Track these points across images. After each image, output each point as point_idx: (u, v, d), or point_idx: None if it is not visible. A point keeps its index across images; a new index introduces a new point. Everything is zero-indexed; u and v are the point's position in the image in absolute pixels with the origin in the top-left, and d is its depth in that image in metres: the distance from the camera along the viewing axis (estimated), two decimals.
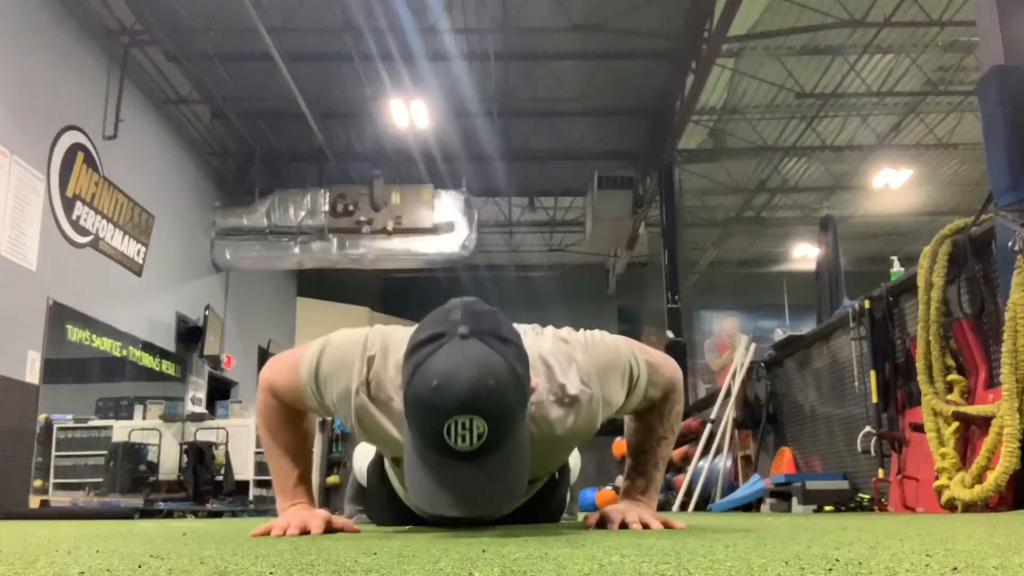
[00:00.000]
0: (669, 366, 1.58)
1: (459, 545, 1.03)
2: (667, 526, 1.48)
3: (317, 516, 1.44)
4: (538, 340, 1.44)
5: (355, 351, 1.42)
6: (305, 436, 1.60)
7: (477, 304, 1.21)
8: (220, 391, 9.63)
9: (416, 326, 1.23)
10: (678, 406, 1.64)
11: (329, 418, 7.98)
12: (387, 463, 1.77)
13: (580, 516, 2.90)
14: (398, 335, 1.41)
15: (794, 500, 4.06)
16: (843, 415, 4.29)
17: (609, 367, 1.46)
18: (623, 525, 1.50)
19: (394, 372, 1.37)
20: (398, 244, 9.59)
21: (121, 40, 7.60)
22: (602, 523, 1.55)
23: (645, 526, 1.47)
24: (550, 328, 1.53)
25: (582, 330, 1.53)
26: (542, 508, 1.88)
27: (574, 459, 2.23)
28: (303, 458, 1.57)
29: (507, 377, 1.13)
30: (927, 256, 3.29)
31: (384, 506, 1.94)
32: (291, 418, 1.55)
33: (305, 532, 1.40)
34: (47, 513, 5.95)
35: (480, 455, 1.13)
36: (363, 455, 2.14)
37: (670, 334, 8.93)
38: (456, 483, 1.15)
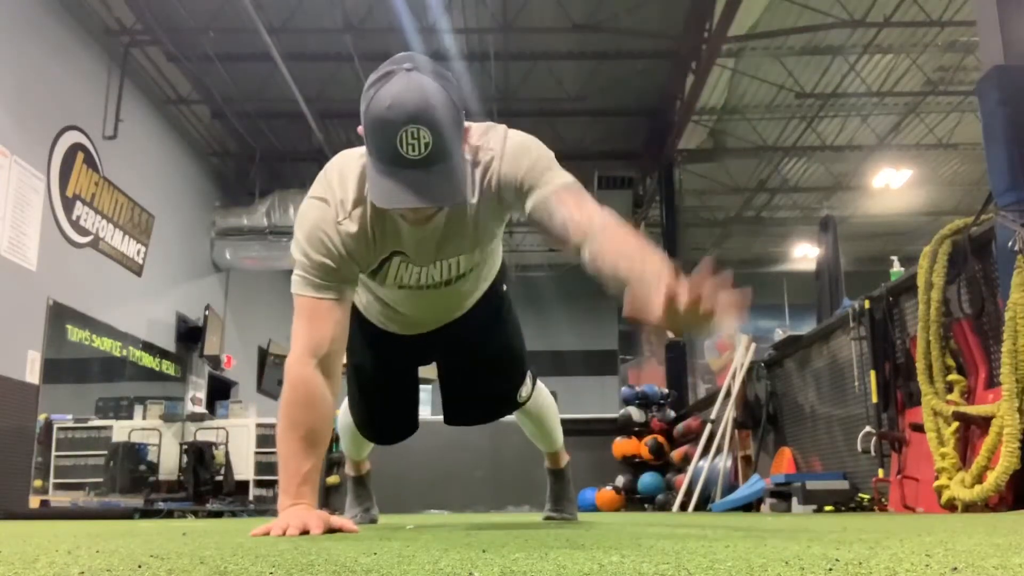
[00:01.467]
0: (599, 206, 1.51)
1: (459, 545, 1.03)
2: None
3: (317, 516, 1.45)
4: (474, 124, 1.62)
5: (316, 207, 1.59)
6: (324, 423, 1.59)
7: (419, 55, 1.44)
8: (220, 391, 9.63)
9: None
10: (628, 227, 1.47)
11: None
12: (362, 302, 1.94)
13: (581, 516, 2.90)
14: (342, 160, 1.64)
15: (794, 500, 4.06)
16: (843, 415, 4.29)
17: (519, 144, 1.60)
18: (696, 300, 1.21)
19: (351, 186, 1.57)
20: None
21: (121, 40, 7.60)
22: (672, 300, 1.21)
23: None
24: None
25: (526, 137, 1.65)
26: (489, 311, 2.01)
27: (545, 395, 2.34)
28: (316, 451, 1.57)
29: (447, 99, 1.39)
30: (927, 256, 3.29)
31: (361, 354, 2.08)
32: (317, 396, 1.56)
33: (305, 532, 1.40)
34: (47, 513, 5.96)
35: (428, 163, 1.37)
36: (344, 408, 2.34)
37: (670, 334, 8.92)
38: (411, 183, 1.38)
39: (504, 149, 1.58)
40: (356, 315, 1.98)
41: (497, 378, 2.16)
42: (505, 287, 2.09)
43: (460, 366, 2.12)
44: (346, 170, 1.61)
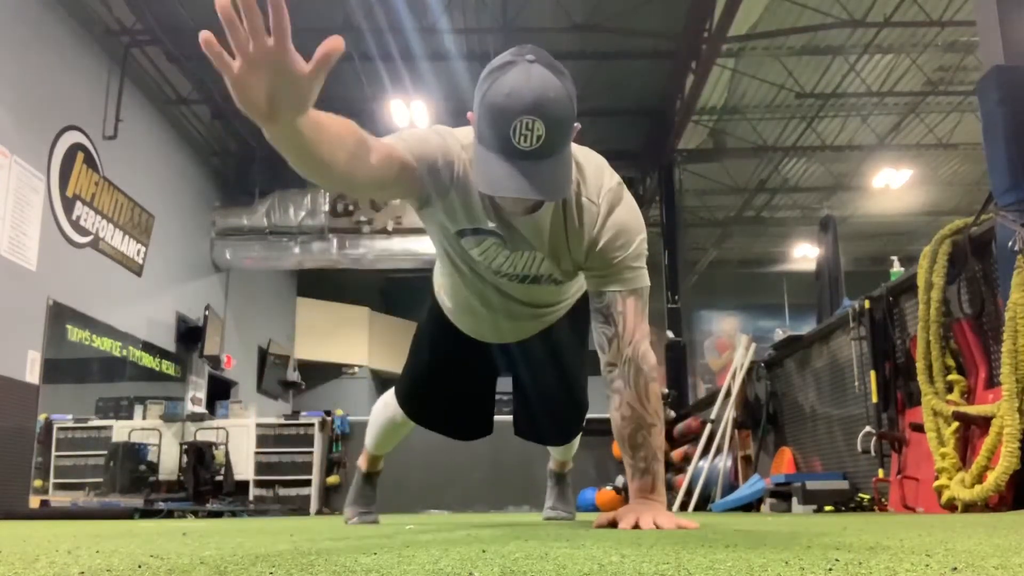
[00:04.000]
0: (645, 331, 1.67)
1: (459, 545, 1.03)
2: (680, 528, 1.48)
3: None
4: (590, 152, 1.68)
5: (440, 134, 1.61)
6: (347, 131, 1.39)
7: (538, 48, 1.45)
8: (220, 391, 9.63)
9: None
10: (654, 385, 1.65)
11: (328, 417, 7.99)
12: (442, 268, 1.92)
13: (580, 516, 2.91)
14: (445, 128, 1.65)
15: (794, 500, 4.06)
16: (843, 415, 4.29)
17: (628, 216, 1.62)
18: (636, 527, 1.50)
19: (459, 150, 1.58)
20: (398, 244, 9.59)
21: (121, 40, 7.60)
22: (614, 524, 1.55)
23: (658, 528, 1.47)
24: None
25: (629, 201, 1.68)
26: (562, 339, 2.05)
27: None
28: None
29: (564, 95, 1.40)
30: (927, 256, 3.29)
31: (430, 340, 2.11)
32: (350, 131, 1.39)
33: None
34: (47, 513, 5.95)
35: (539, 156, 1.37)
36: (385, 397, 2.37)
37: (670, 334, 8.93)
38: (519, 172, 1.37)
39: (611, 210, 1.60)
40: (441, 317, 2.02)
41: (575, 400, 2.18)
42: (579, 323, 2.08)
43: (540, 381, 2.13)
44: (460, 134, 1.61)
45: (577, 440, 2.56)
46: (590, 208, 1.59)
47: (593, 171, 1.63)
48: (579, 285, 1.93)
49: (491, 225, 1.62)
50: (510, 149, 1.37)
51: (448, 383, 2.14)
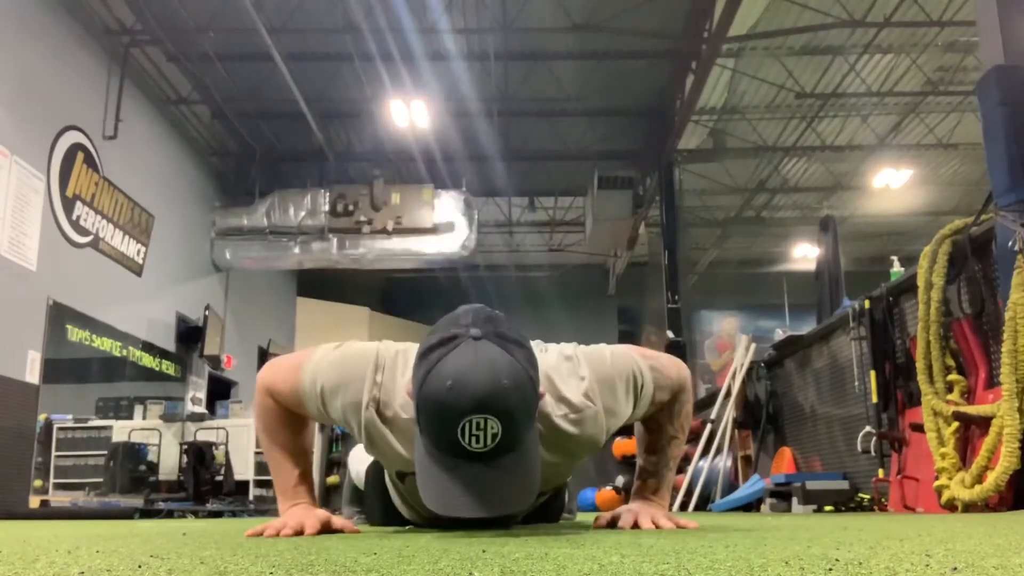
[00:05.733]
0: (674, 367, 1.58)
1: (459, 545, 1.03)
2: (680, 527, 1.48)
3: (314, 516, 1.43)
4: (543, 356, 1.41)
5: (366, 365, 1.40)
6: (304, 436, 1.58)
7: (487, 309, 1.24)
8: (220, 391, 9.63)
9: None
10: (688, 406, 1.63)
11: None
12: (388, 477, 1.75)
13: (580, 516, 2.90)
14: (410, 352, 1.39)
15: (794, 500, 4.06)
16: (843, 415, 4.28)
17: (613, 380, 1.45)
18: (635, 526, 1.49)
19: (402, 388, 1.36)
20: (398, 244, 9.59)
21: (121, 40, 7.60)
22: (612, 524, 1.55)
23: (657, 527, 1.47)
24: (553, 345, 1.51)
25: (582, 346, 1.51)
26: (545, 512, 1.90)
27: None
28: (303, 458, 1.56)
29: (520, 377, 1.15)
30: (927, 256, 3.29)
31: (381, 511, 1.95)
32: (290, 420, 1.54)
33: (300, 532, 1.38)
34: (47, 513, 5.95)
35: (495, 456, 1.14)
36: (360, 458, 2.15)
37: (670, 334, 8.92)
38: (472, 484, 1.15)
39: (607, 388, 1.42)
40: (386, 496, 1.83)
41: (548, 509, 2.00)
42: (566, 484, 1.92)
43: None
44: (404, 377, 1.37)
45: None
46: (585, 414, 1.40)
47: (561, 380, 1.40)
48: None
49: None
50: (459, 452, 1.14)
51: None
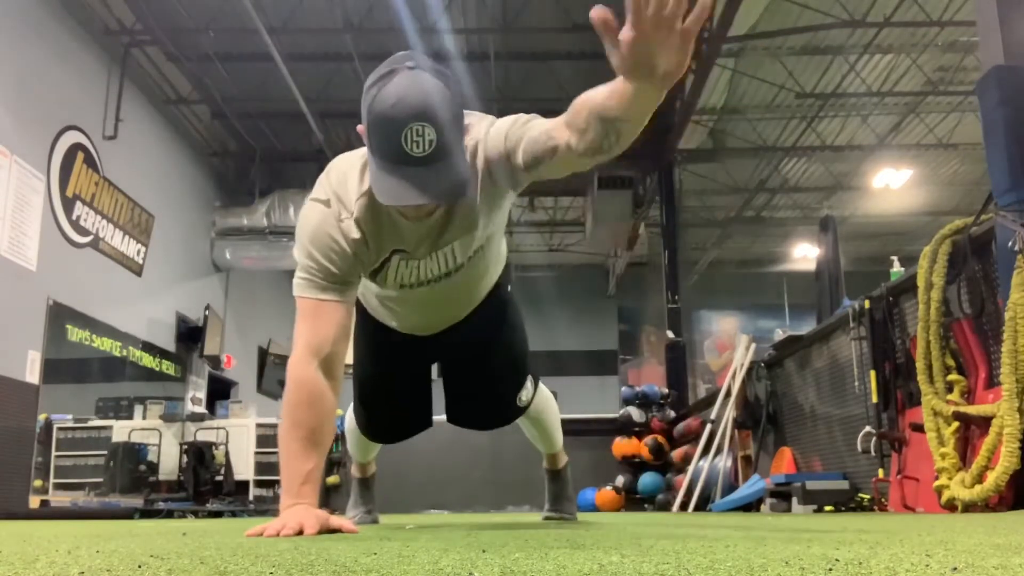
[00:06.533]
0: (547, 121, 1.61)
1: (459, 545, 1.03)
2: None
3: (314, 516, 1.44)
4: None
5: (315, 202, 1.61)
6: (327, 423, 1.59)
7: (420, 54, 1.46)
8: (220, 391, 9.64)
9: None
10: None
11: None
12: (366, 302, 1.97)
13: (581, 516, 2.90)
14: (342, 162, 1.64)
15: (794, 500, 4.06)
16: (843, 415, 4.29)
17: (490, 124, 1.59)
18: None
19: (352, 185, 1.58)
20: None
21: (121, 40, 7.60)
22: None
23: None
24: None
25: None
26: (494, 339, 2.06)
27: (544, 392, 2.30)
28: (318, 451, 1.57)
29: (449, 96, 1.40)
30: (927, 256, 3.29)
31: (369, 350, 2.11)
32: (319, 394, 1.56)
33: (299, 533, 1.39)
34: (47, 513, 5.96)
35: (431, 160, 1.37)
36: (350, 412, 2.34)
37: (670, 334, 8.93)
38: (415, 178, 1.38)
39: (488, 132, 1.58)
40: (362, 316, 2.00)
41: (500, 383, 2.16)
42: (509, 288, 2.10)
43: (463, 368, 2.13)
44: (346, 170, 1.61)
45: (558, 432, 2.52)
46: (477, 149, 1.56)
47: (475, 127, 1.58)
48: (500, 256, 1.96)
49: (391, 248, 1.64)
50: (403, 157, 1.37)
51: (387, 394, 2.15)
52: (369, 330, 2.05)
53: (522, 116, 1.59)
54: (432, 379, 2.17)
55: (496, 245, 1.88)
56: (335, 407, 1.63)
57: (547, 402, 2.38)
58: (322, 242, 1.57)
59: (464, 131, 1.48)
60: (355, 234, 1.57)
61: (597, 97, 1.48)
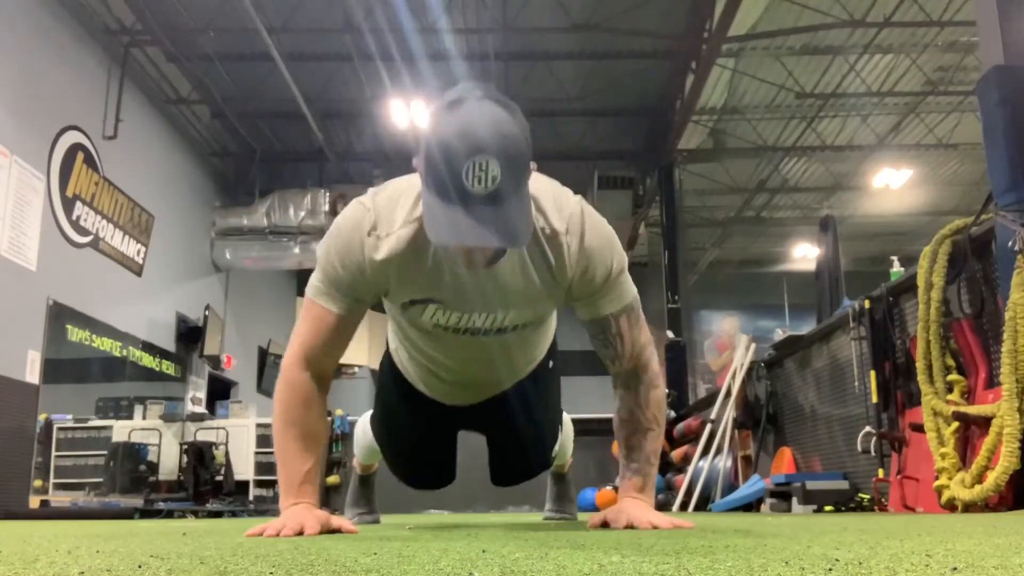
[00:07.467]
0: (648, 336, 1.66)
1: (459, 545, 1.03)
2: (675, 527, 1.48)
3: (314, 516, 1.44)
4: (536, 175, 1.45)
5: (354, 215, 1.49)
6: (320, 424, 1.59)
7: (487, 84, 1.36)
8: (220, 391, 9.64)
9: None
10: (655, 391, 1.66)
11: (329, 417, 7.99)
12: (395, 337, 1.83)
13: (581, 516, 2.90)
14: (399, 183, 1.51)
15: (794, 500, 4.06)
16: (843, 415, 4.28)
17: (598, 235, 1.52)
18: (629, 526, 1.50)
19: (397, 202, 1.47)
20: None
21: (121, 40, 7.60)
22: (606, 524, 1.56)
23: (653, 527, 1.47)
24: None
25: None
26: (534, 398, 1.96)
27: (567, 426, 2.31)
28: (315, 450, 1.56)
29: (518, 132, 1.27)
30: (927, 256, 3.29)
31: (393, 408, 2.03)
32: (312, 398, 1.55)
33: (299, 533, 1.39)
34: (47, 513, 5.96)
35: (493, 199, 1.24)
36: (363, 419, 2.31)
37: (670, 334, 8.92)
38: (471, 218, 1.24)
39: (582, 235, 1.47)
40: (392, 377, 1.92)
41: (538, 449, 2.12)
42: (552, 363, 2.00)
43: (504, 440, 2.07)
44: (401, 191, 1.48)
45: (571, 442, 2.54)
46: (559, 240, 1.47)
47: (551, 199, 1.48)
48: (549, 330, 1.88)
49: (425, 295, 1.53)
50: (462, 193, 1.23)
51: (414, 450, 2.09)
52: (401, 393, 1.93)
53: (616, 263, 1.53)
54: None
55: (547, 324, 1.81)
56: (326, 409, 1.62)
57: (568, 433, 2.37)
58: (344, 248, 1.48)
59: (530, 172, 1.34)
60: (381, 255, 1.45)
61: (625, 443, 1.69)
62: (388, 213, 1.46)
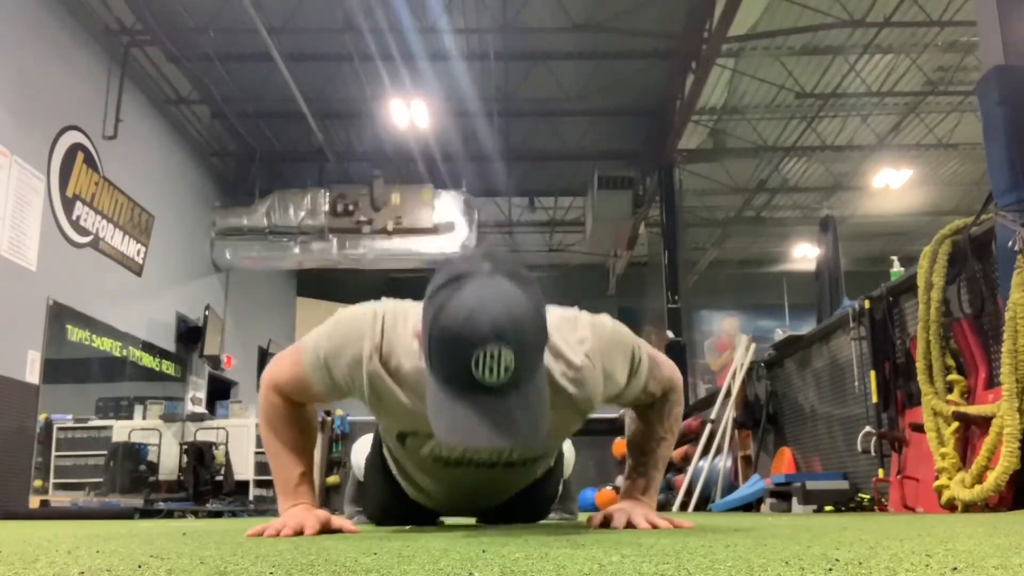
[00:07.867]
0: (669, 366, 1.65)
1: (459, 545, 1.03)
2: (675, 526, 1.49)
3: (314, 516, 1.43)
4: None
5: (364, 322, 1.41)
6: (307, 433, 1.59)
7: (496, 248, 1.26)
8: (220, 391, 9.64)
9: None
10: (678, 408, 1.67)
11: (328, 417, 7.99)
12: (387, 449, 1.75)
13: (580, 516, 2.90)
14: (409, 305, 1.43)
15: (794, 500, 4.06)
16: (843, 415, 4.28)
17: (613, 346, 1.48)
18: (629, 525, 1.50)
19: (407, 338, 1.37)
20: (398, 244, 9.59)
21: (121, 40, 7.60)
22: (606, 523, 1.56)
23: (653, 527, 1.48)
24: (554, 306, 1.50)
25: (584, 312, 1.54)
26: (536, 496, 1.93)
27: (568, 451, 2.27)
28: (305, 457, 1.56)
29: (532, 312, 1.14)
30: (927, 256, 3.29)
31: (381, 501, 1.98)
32: (294, 416, 1.55)
33: (299, 533, 1.39)
34: (47, 513, 5.96)
35: (507, 390, 1.13)
36: (361, 450, 2.18)
37: (670, 334, 8.92)
38: (486, 414, 1.13)
39: (603, 355, 1.44)
40: (387, 474, 1.84)
41: (543, 509, 2.11)
42: (554, 464, 1.93)
43: (501, 517, 2.01)
44: (403, 323, 1.39)
45: (572, 454, 2.53)
46: (583, 374, 1.41)
47: (561, 339, 1.40)
48: (555, 455, 1.84)
49: (425, 432, 1.42)
50: (471, 384, 1.11)
51: (402, 517, 1.99)
52: (391, 490, 1.83)
53: (632, 351, 1.49)
54: None
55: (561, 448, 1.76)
56: (314, 417, 1.62)
57: (570, 459, 2.31)
58: (338, 350, 1.40)
59: (544, 349, 1.24)
60: (367, 371, 1.38)
61: (634, 446, 1.70)
62: (386, 338, 1.38)
